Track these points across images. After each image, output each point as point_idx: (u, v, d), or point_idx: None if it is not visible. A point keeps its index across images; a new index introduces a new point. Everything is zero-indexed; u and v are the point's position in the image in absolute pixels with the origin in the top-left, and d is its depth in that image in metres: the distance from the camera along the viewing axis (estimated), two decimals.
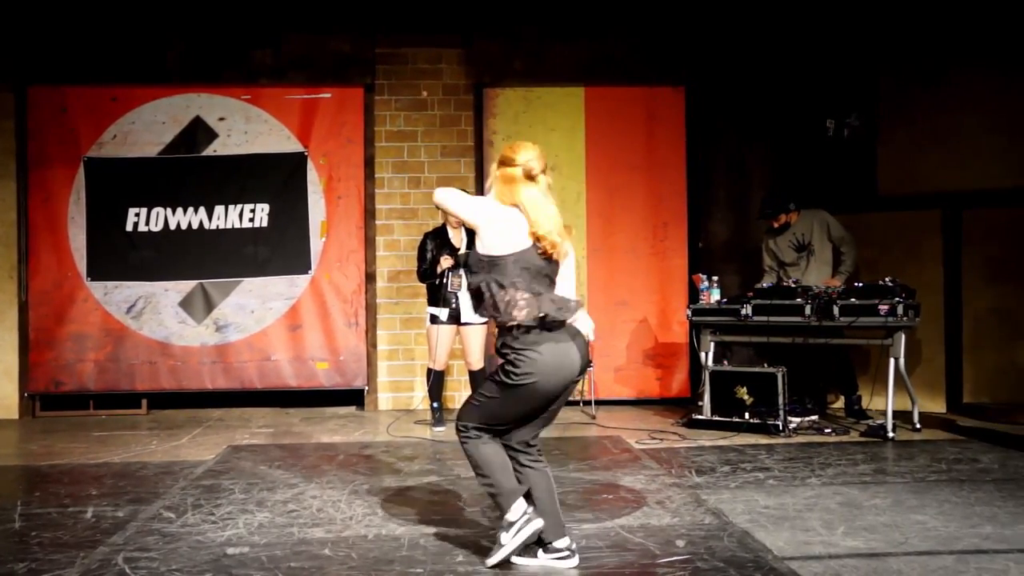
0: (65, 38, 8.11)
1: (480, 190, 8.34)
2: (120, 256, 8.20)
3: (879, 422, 6.66)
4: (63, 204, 8.19)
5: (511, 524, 3.65)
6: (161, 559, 3.85)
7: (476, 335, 7.13)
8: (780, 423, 6.59)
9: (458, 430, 3.81)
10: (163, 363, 8.20)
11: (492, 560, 3.67)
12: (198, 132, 8.25)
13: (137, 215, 8.23)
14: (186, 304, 8.22)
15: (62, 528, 4.38)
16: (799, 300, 6.78)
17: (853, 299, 6.61)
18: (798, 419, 6.89)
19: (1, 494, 5.24)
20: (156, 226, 8.24)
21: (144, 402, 8.25)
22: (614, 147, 8.49)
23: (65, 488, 5.29)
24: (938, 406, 7.67)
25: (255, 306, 8.24)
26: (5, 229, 8.13)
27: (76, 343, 8.16)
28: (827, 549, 3.88)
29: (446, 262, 6.93)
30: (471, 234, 7.23)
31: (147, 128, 8.23)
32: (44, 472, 5.87)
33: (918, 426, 6.77)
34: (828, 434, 6.64)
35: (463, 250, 7.07)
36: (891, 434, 6.44)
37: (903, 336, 6.52)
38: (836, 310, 6.61)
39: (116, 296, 8.20)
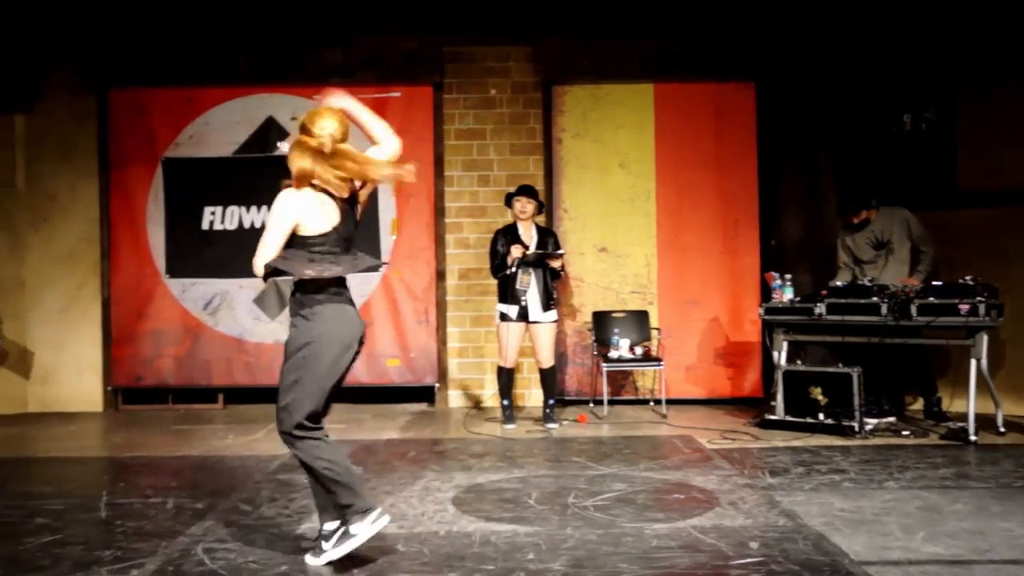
0: (143, 42, 8.32)
1: (549, 186, 8.34)
2: (196, 254, 8.38)
3: (960, 425, 6.49)
4: (142, 203, 8.41)
5: (368, 511, 3.68)
6: (238, 551, 3.93)
7: (545, 333, 7.13)
8: (856, 424, 6.45)
9: (290, 435, 3.67)
10: (238, 359, 8.36)
11: (342, 551, 3.68)
12: (271, 131, 8.38)
13: (213, 213, 8.40)
14: (260, 301, 8.34)
15: (145, 518, 4.50)
16: (875, 299, 6.64)
17: (932, 298, 6.44)
18: (874, 420, 6.73)
19: (88, 484, 5.42)
20: (231, 224, 8.41)
21: (220, 397, 8.43)
22: (683, 144, 8.41)
23: (146, 479, 5.44)
24: None
25: None
26: (89, 227, 8.39)
27: (155, 339, 8.37)
28: (906, 555, 3.78)
29: (516, 251, 6.96)
30: (541, 232, 7.31)
31: (221, 128, 8.40)
32: (127, 463, 6.04)
33: (1002, 430, 6.54)
34: (906, 436, 6.47)
35: (532, 247, 7.09)
36: (973, 437, 6.25)
37: (985, 337, 6.33)
38: (914, 309, 6.45)
39: (193, 293, 8.39)
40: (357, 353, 3.79)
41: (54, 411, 8.27)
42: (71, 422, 7.77)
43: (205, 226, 8.38)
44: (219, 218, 8.40)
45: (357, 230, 3.90)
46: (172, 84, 8.39)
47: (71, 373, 8.37)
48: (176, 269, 8.39)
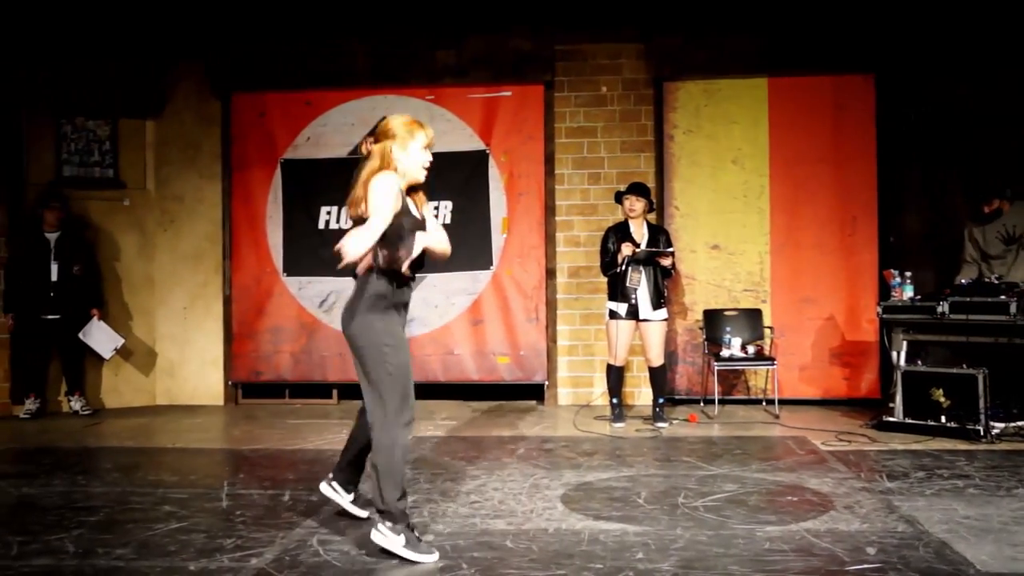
0: (264, 47, 8.59)
1: (660, 184, 8.26)
2: (313, 252, 8.59)
3: None
4: (262, 203, 8.69)
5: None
6: (352, 543, 4.03)
7: (655, 331, 7.07)
8: (981, 428, 6.19)
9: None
10: (352, 355, 8.53)
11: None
12: None
13: (329, 213, 8.62)
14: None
15: (263, 509, 4.66)
16: (1003, 297, 6.35)
17: None
18: (1002, 424, 6.44)
19: (210, 474, 5.65)
20: (346, 224, 8.57)
21: (335, 392, 8.65)
22: (799, 139, 8.22)
23: (264, 471, 5.63)
24: None
25: (439, 301, 8.47)
26: (212, 227, 8.73)
27: (273, 335, 8.64)
28: None
29: (626, 249, 6.93)
30: (653, 230, 7.24)
31: (337, 130, 8.61)
32: (246, 456, 6.27)
33: None
34: None
35: (643, 245, 7.04)
36: None
37: None
38: None
39: (309, 291, 8.62)
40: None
41: (179, 403, 8.66)
42: (194, 415, 8.11)
43: (321, 225, 8.60)
44: (334, 217, 8.61)
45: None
46: (291, 88, 8.64)
47: (195, 368, 8.74)
48: (293, 268, 8.64)
